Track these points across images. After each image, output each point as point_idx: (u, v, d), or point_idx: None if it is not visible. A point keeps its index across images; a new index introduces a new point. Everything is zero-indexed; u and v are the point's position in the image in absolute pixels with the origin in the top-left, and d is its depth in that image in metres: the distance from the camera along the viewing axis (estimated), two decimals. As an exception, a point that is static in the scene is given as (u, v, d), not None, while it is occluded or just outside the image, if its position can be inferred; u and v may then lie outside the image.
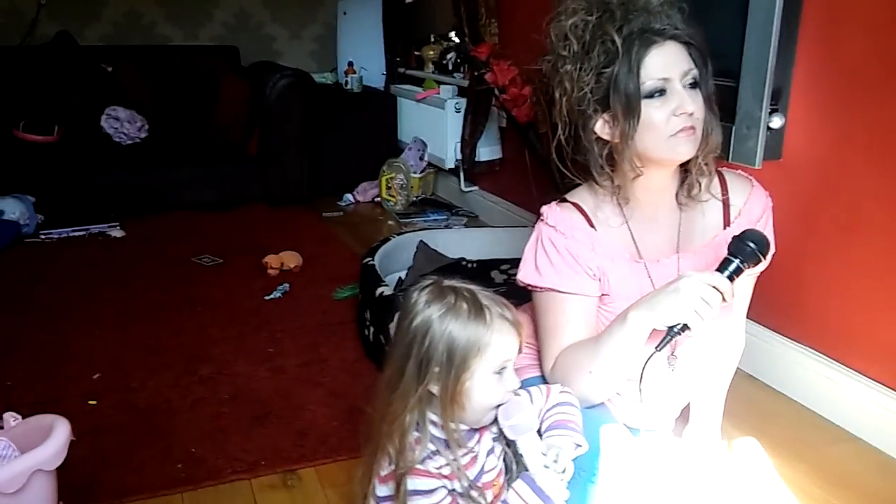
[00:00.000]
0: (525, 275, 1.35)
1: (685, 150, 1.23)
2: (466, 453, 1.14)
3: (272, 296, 2.69)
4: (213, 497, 1.59)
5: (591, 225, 1.32)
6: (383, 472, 1.14)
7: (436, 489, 1.10)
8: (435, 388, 1.10)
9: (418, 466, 1.10)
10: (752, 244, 1.19)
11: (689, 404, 1.49)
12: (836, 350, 1.88)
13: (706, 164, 1.29)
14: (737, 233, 1.25)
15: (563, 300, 1.30)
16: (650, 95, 1.20)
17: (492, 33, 3.28)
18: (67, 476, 1.39)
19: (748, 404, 1.90)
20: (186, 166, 3.80)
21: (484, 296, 1.13)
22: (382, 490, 1.15)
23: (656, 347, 1.19)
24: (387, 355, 1.16)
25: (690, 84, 1.21)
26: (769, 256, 1.22)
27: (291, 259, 2.97)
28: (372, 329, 2.20)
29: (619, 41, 1.19)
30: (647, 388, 1.31)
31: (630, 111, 1.20)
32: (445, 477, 1.11)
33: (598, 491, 1.16)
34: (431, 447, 1.12)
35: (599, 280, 1.31)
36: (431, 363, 1.09)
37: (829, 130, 1.83)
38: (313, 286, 2.79)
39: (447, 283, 1.14)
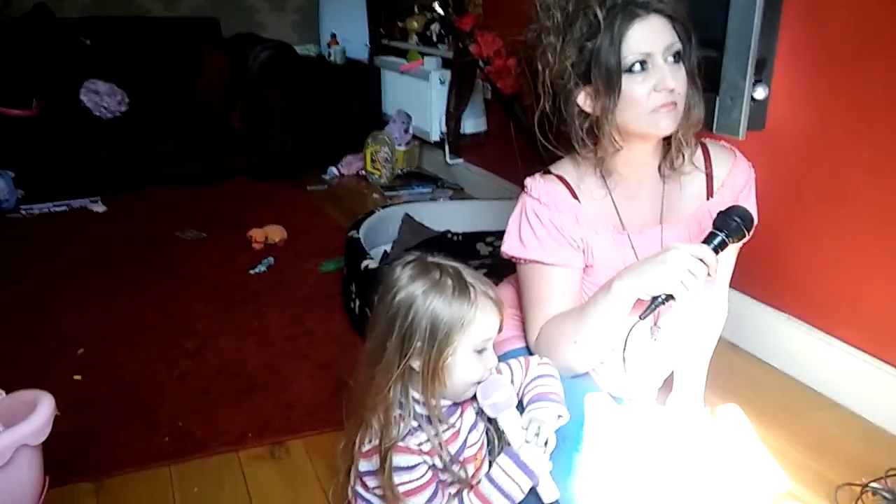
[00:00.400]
0: (509, 247, 1.35)
1: (666, 124, 1.23)
2: (448, 429, 1.15)
3: (257, 270, 2.68)
4: (200, 469, 1.60)
5: (575, 197, 1.32)
6: (365, 448, 1.14)
7: (417, 465, 1.10)
8: (416, 364, 1.10)
9: (399, 443, 1.10)
10: (737, 219, 1.19)
11: (672, 373, 1.51)
12: (818, 318, 1.91)
13: (686, 139, 1.29)
14: (720, 205, 1.26)
15: (548, 272, 1.31)
16: (631, 70, 1.19)
17: (476, 4, 3.25)
18: (54, 451, 1.40)
19: (731, 373, 1.93)
20: (168, 140, 3.76)
21: (468, 273, 1.13)
22: (364, 465, 1.15)
23: (640, 316, 1.20)
24: (368, 329, 1.16)
25: (673, 59, 1.21)
26: (752, 231, 1.23)
27: (276, 233, 2.96)
28: (357, 302, 2.20)
29: (601, 14, 1.18)
30: (631, 358, 1.33)
31: (611, 85, 1.20)
32: (426, 453, 1.11)
33: (583, 459, 1.18)
34: (413, 423, 1.12)
35: (583, 252, 1.31)
36: (414, 338, 1.08)
37: (813, 101, 1.84)
38: (298, 260, 2.79)
39: (431, 259, 1.14)
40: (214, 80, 3.91)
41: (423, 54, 3.89)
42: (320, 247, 2.89)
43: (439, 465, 1.12)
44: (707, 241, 1.20)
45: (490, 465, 1.16)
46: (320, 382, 1.92)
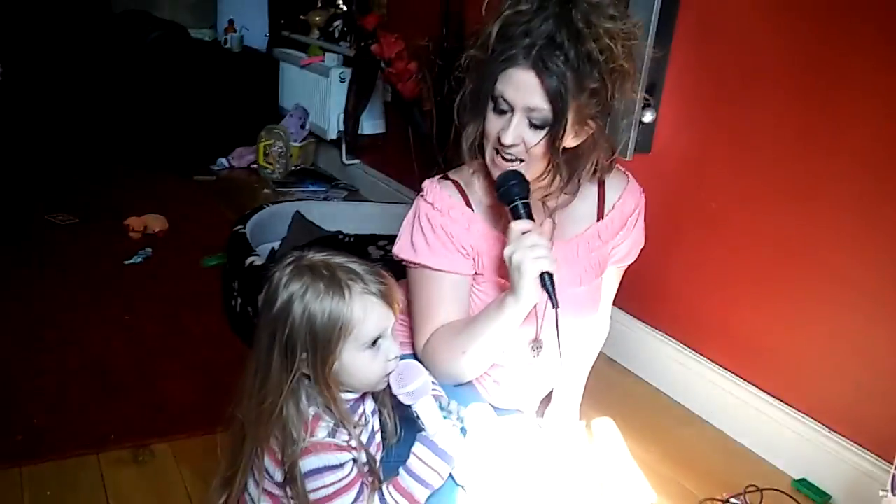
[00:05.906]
0: (400, 249, 1.33)
1: (497, 172, 1.23)
2: (358, 422, 1.11)
3: (133, 260, 2.56)
4: (55, 472, 1.50)
5: (469, 204, 1.31)
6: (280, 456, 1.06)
7: (345, 463, 1.05)
8: (308, 372, 1.05)
9: (327, 439, 1.04)
10: (509, 183, 1.20)
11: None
12: (690, 338, 1.99)
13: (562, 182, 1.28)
14: (609, 228, 1.32)
15: (437, 277, 1.30)
16: (494, 102, 1.18)
17: (380, 4, 3.22)
18: None
19: (608, 387, 1.98)
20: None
21: (346, 270, 1.07)
22: (280, 474, 1.07)
23: (553, 306, 1.18)
24: (252, 350, 1.09)
25: (531, 122, 1.17)
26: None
27: (156, 222, 2.83)
28: (240, 300, 2.12)
29: (493, 38, 1.15)
30: (514, 374, 1.34)
31: (477, 108, 1.19)
32: (354, 448, 1.07)
33: (461, 468, 1.17)
34: (331, 422, 1.06)
35: (474, 259, 1.31)
36: (297, 349, 1.03)
37: (696, 128, 1.92)
38: (179, 253, 2.67)
39: (307, 259, 1.08)
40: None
41: (324, 50, 3.82)
42: (204, 240, 2.78)
43: (362, 459, 1.08)
44: (515, 216, 1.20)
45: (383, 449, 1.14)
46: (193, 384, 1.84)
